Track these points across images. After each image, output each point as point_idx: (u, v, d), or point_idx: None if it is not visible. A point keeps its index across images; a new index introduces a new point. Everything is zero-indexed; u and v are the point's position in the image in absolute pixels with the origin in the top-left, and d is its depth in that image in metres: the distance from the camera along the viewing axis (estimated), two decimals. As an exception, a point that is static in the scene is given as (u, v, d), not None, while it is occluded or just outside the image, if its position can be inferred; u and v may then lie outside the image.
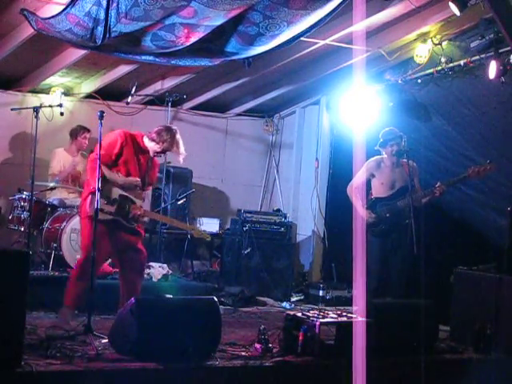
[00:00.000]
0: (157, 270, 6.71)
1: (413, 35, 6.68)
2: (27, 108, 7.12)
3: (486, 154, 6.24)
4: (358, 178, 6.33)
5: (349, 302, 7.11)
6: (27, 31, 6.02)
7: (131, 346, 4.14)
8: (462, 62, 6.54)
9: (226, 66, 7.00)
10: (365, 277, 4.96)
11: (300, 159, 9.12)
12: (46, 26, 5.51)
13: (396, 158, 6.22)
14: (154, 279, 6.63)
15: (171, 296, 4.78)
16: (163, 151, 5.44)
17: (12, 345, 3.72)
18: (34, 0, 5.49)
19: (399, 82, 7.32)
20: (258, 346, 4.57)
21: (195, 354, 4.20)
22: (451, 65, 6.64)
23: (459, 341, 5.31)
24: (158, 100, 8.26)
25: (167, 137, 5.33)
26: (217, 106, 9.12)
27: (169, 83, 7.91)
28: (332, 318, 4.76)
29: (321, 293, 7.51)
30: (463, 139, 6.66)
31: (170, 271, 6.89)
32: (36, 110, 6.63)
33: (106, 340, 4.44)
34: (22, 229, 6.67)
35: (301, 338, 4.52)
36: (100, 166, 4.87)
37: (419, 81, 7.08)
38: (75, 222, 6.25)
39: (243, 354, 4.51)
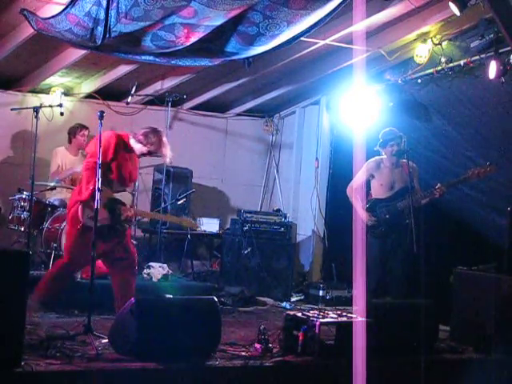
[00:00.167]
0: (157, 270, 6.71)
1: (413, 35, 6.68)
2: (27, 108, 7.13)
3: (485, 154, 6.25)
4: (358, 178, 6.33)
5: (349, 302, 7.10)
6: (27, 31, 6.02)
7: (131, 346, 4.14)
8: (461, 62, 6.53)
9: (226, 66, 7.00)
10: (365, 277, 4.96)
11: (300, 159, 9.12)
12: (46, 26, 5.51)
13: (396, 159, 6.22)
14: (154, 279, 6.63)
15: (171, 296, 4.78)
16: (150, 153, 5.44)
17: (12, 345, 3.72)
18: (34, 0, 5.49)
19: (399, 81, 7.32)
20: (257, 346, 4.57)
21: (195, 353, 4.21)
22: (451, 65, 6.64)
23: (459, 341, 5.31)
24: (157, 100, 8.26)
25: (154, 139, 5.34)
26: (217, 106, 9.12)
27: (169, 83, 7.91)
28: (332, 317, 4.76)
29: (321, 293, 7.50)
30: (463, 139, 6.65)
31: (170, 271, 6.89)
32: (36, 110, 6.63)
33: (106, 340, 4.43)
34: (22, 229, 6.67)
35: (301, 338, 4.52)
36: (100, 167, 4.86)
37: (419, 81, 7.07)
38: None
39: (243, 353, 4.51)
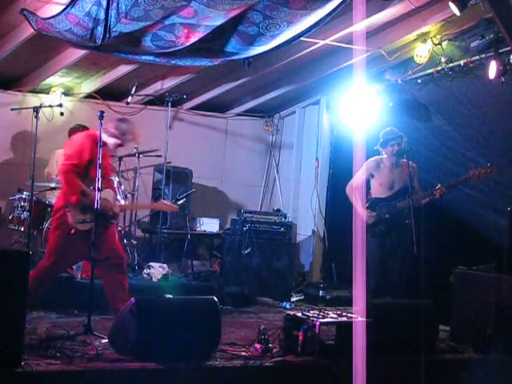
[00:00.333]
0: (157, 270, 6.72)
1: (413, 35, 6.68)
2: (27, 108, 7.13)
3: (486, 154, 6.24)
4: (358, 177, 6.33)
5: (349, 301, 7.07)
6: (27, 31, 6.02)
7: (131, 346, 4.15)
8: (461, 62, 6.53)
9: (226, 66, 6.99)
10: (365, 277, 4.96)
11: (300, 159, 9.12)
12: (46, 26, 5.51)
13: (396, 158, 6.22)
14: (154, 279, 6.64)
15: (171, 296, 4.78)
16: (124, 143, 5.43)
17: (12, 345, 3.73)
18: (34, 0, 5.49)
19: (399, 82, 7.32)
20: (257, 346, 4.57)
21: (195, 354, 4.21)
22: (451, 65, 6.64)
23: (459, 341, 5.32)
24: (157, 100, 8.26)
25: (126, 127, 5.35)
26: (217, 106, 9.12)
27: (169, 83, 7.91)
28: (332, 317, 4.76)
29: (321, 293, 7.51)
30: (463, 139, 6.65)
31: (170, 271, 6.89)
32: (36, 109, 6.64)
33: (106, 340, 4.44)
34: (22, 229, 6.68)
35: (301, 338, 4.52)
36: (100, 167, 4.86)
37: (419, 81, 7.07)
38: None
39: (243, 353, 4.51)
